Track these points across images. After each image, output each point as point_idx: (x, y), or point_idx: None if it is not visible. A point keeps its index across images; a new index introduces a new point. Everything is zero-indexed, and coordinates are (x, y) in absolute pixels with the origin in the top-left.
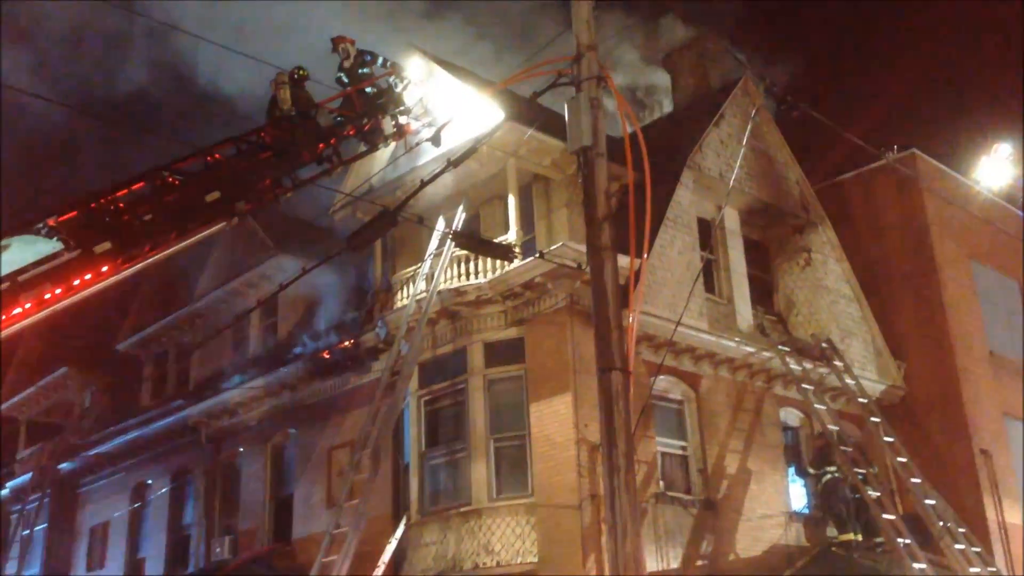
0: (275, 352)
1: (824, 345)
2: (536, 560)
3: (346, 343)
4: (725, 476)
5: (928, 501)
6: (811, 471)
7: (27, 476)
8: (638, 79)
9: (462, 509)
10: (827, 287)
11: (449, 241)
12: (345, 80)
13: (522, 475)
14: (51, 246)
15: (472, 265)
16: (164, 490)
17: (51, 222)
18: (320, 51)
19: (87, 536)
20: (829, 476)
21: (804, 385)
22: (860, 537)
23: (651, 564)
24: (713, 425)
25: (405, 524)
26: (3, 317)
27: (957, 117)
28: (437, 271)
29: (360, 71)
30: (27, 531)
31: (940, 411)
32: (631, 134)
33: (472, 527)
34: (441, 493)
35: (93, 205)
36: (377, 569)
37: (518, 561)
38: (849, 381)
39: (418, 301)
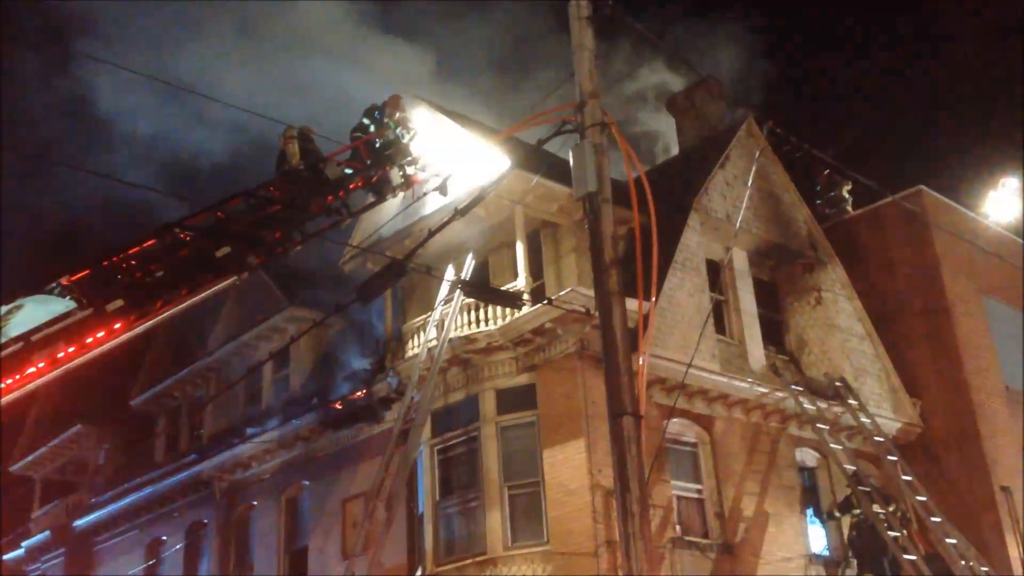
0: (288, 404)
1: (838, 384)
2: None
3: (358, 394)
4: (742, 519)
5: (949, 540)
6: (838, 514)
7: (43, 535)
8: (642, 126)
9: (478, 558)
10: (839, 325)
11: (459, 289)
12: (371, 128)
13: (537, 522)
14: (64, 305)
15: (482, 312)
16: (179, 546)
17: (64, 281)
18: (325, 104)
19: None
20: (858, 519)
21: (819, 425)
22: None
23: None
24: (728, 467)
25: (421, 574)
26: (16, 378)
27: (963, 153)
28: (447, 319)
29: (384, 121)
30: None
31: (958, 448)
32: (636, 178)
33: None
34: (456, 542)
35: (105, 263)
36: None
37: None
38: (864, 420)
39: (429, 349)
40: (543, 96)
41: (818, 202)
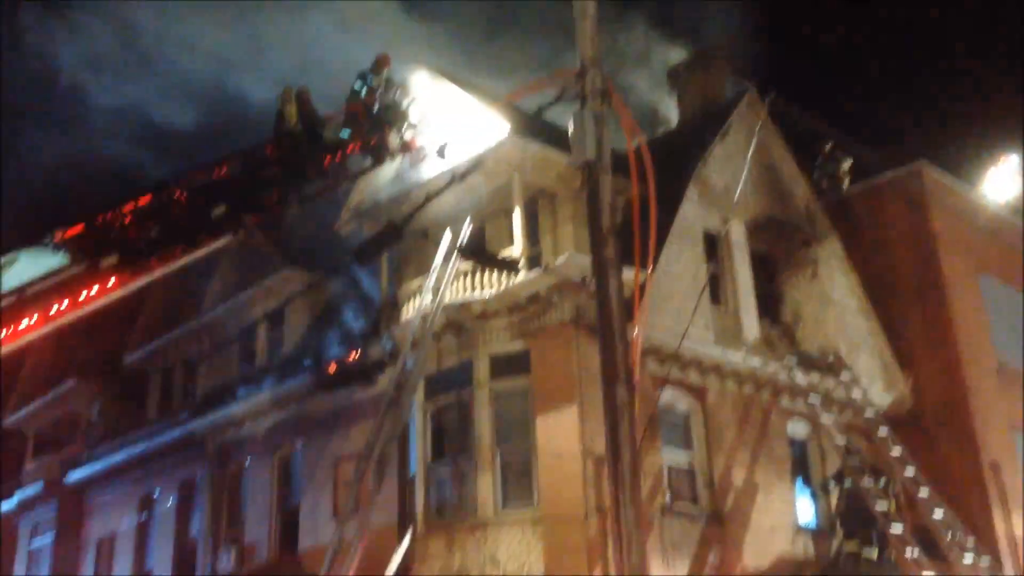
0: (281, 365)
1: (831, 357)
2: (542, 572)
3: (352, 357)
4: (732, 489)
5: (936, 513)
6: (832, 486)
7: (36, 487)
8: (643, 97)
9: (468, 521)
10: (834, 300)
11: (455, 255)
12: (363, 93)
13: (528, 487)
14: (58, 260)
15: (478, 278)
16: (171, 502)
17: (58, 236)
18: (325, 66)
19: (94, 547)
20: (846, 491)
21: (811, 397)
22: (875, 553)
23: None
24: (720, 438)
25: (411, 536)
26: (10, 330)
27: (965, 129)
28: (443, 285)
29: (376, 91)
30: (35, 542)
31: (948, 423)
32: (636, 148)
33: (478, 539)
34: (447, 505)
35: (100, 219)
36: None
37: (524, 573)
38: (856, 393)
39: (424, 315)
40: (544, 64)
41: (815, 176)
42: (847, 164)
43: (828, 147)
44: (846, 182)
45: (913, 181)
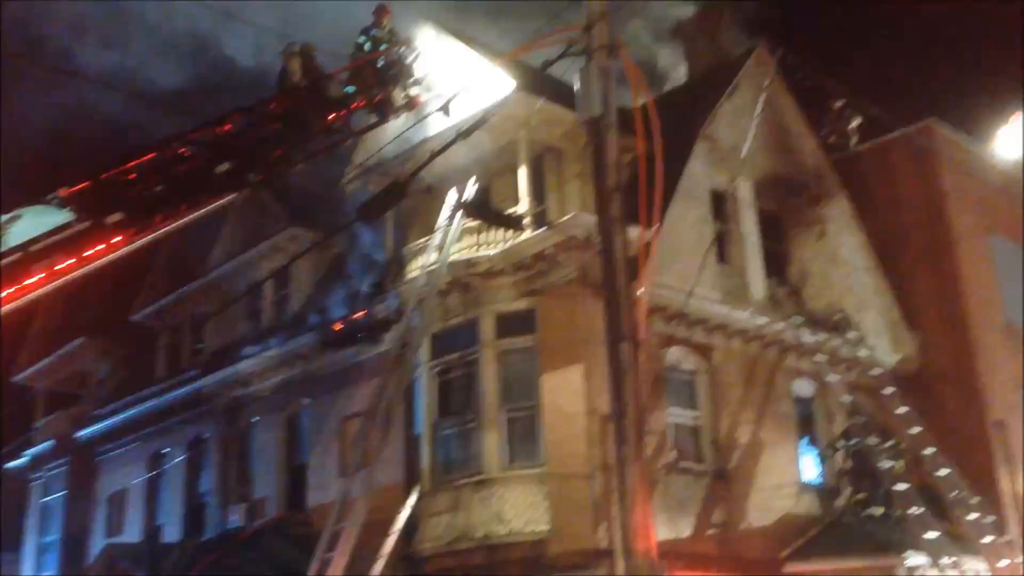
0: (288, 323)
1: (838, 316)
2: (548, 529)
3: (358, 315)
4: (737, 447)
5: (942, 471)
6: (840, 445)
7: (46, 444)
8: (651, 53)
9: (474, 479)
10: (842, 259)
11: (460, 212)
12: (368, 47)
13: (533, 445)
14: (63, 217)
15: (483, 236)
16: (180, 459)
17: (62, 193)
18: (328, 20)
19: (105, 504)
20: (852, 449)
21: (817, 356)
22: (880, 511)
23: (662, 533)
24: (725, 396)
25: (417, 494)
26: (15, 288)
27: (975, 87)
28: (448, 242)
29: (381, 46)
30: (46, 499)
31: (955, 382)
32: (642, 104)
33: (484, 497)
34: (453, 463)
35: (104, 176)
36: (389, 538)
37: (530, 530)
38: (863, 352)
39: (429, 272)
40: (550, 18)
41: (824, 134)
42: (856, 121)
43: (837, 104)
44: (855, 140)
45: (923, 139)
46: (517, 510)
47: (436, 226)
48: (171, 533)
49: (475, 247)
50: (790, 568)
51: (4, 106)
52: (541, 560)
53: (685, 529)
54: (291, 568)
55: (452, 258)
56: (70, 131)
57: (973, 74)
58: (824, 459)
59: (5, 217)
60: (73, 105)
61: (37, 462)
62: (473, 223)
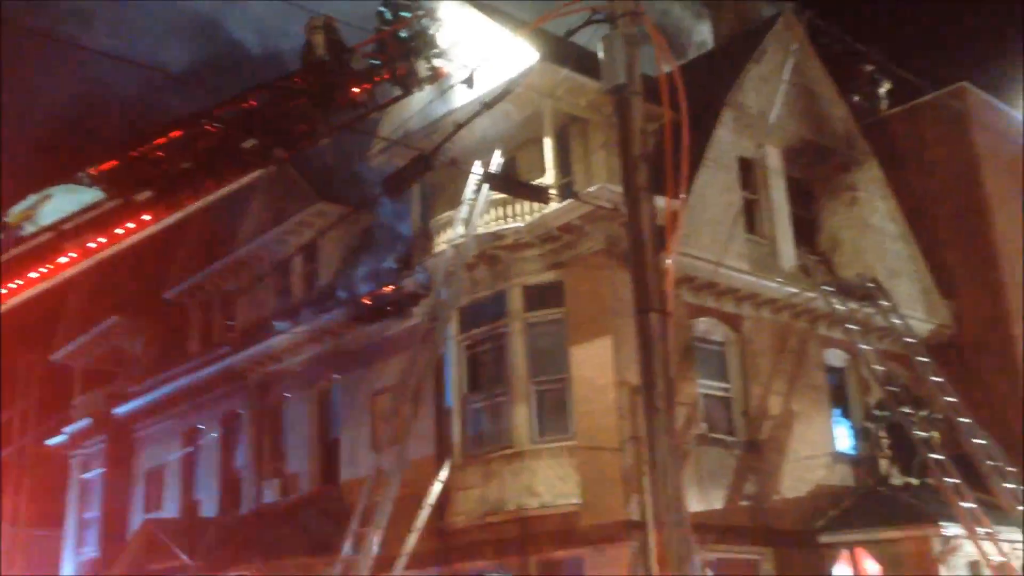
0: (317, 299)
1: (870, 284)
2: (579, 501)
3: (386, 289)
4: (768, 417)
5: (977, 440)
6: (877, 413)
7: (84, 421)
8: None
9: (505, 452)
10: (873, 225)
11: (486, 185)
12: (388, 16)
13: (563, 418)
14: (93, 195)
15: (510, 209)
16: (215, 435)
17: (92, 171)
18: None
19: (144, 479)
20: (887, 419)
21: (849, 325)
22: (916, 481)
23: (693, 505)
24: (756, 367)
25: (449, 467)
26: (49, 267)
27: (1007, 49)
28: (474, 215)
29: (400, 13)
30: (86, 475)
31: (990, 350)
32: (668, 72)
33: (515, 469)
34: (484, 436)
35: (132, 154)
36: (422, 512)
37: (561, 502)
38: (896, 320)
39: (456, 246)
40: None
41: (854, 98)
42: (887, 85)
43: (867, 68)
44: (885, 104)
45: (955, 102)
46: (548, 483)
47: (462, 199)
48: (208, 508)
49: (501, 219)
50: (824, 539)
51: (25, 86)
52: (572, 532)
53: (717, 501)
54: (325, 542)
55: (479, 231)
56: (91, 110)
57: (1004, 35)
58: (867, 431)
59: (36, 197)
60: (88, 85)
61: (76, 439)
62: (499, 195)
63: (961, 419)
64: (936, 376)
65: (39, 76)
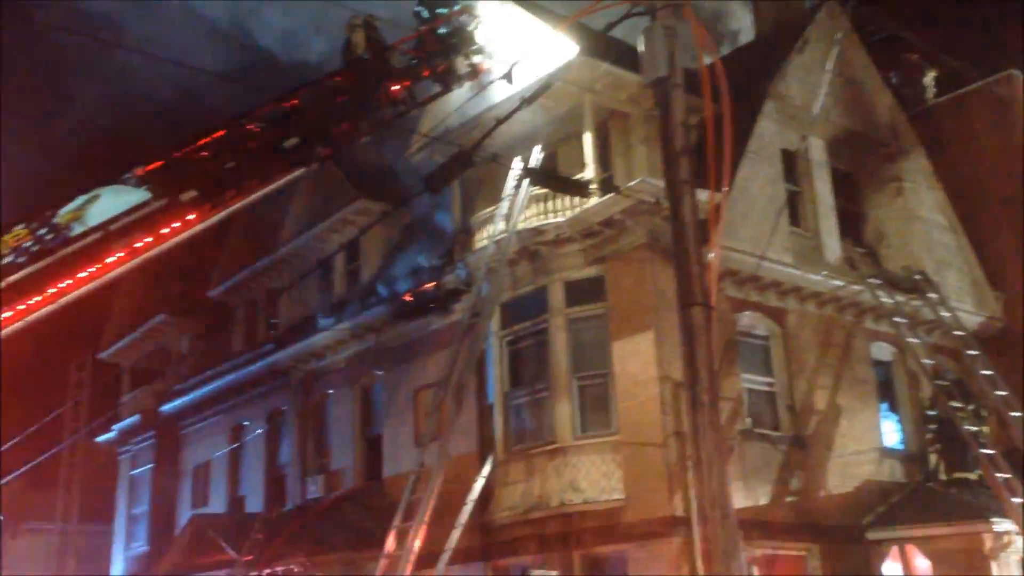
0: (359, 296)
1: (917, 277)
2: (622, 497)
3: (427, 286)
4: (814, 412)
5: None
6: (933, 413)
7: (133, 419)
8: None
9: (547, 447)
10: (920, 217)
11: (526, 180)
12: (424, 15)
13: (606, 413)
14: (139, 195)
15: (551, 204)
16: (260, 431)
17: (138, 172)
18: None
19: (191, 475)
20: (937, 414)
21: (896, 318)
22: (966, 476)
23: (738, 501)
24: (800, 361)
25: (491, 462)
26: (97, 267)
27: None
28: (515, 211)
29: (437, 10)
30: (135, 471)
31: None
32: (709, 63)
33: (558, 465)
34: (526, 432)
35: (177, 154)
36: (465, 506)
37: (604, 498)
38: (944, 313)
39: (497, 242)
40: None
41: (899, 87)
42: (933, 73)
43: (913, 56)
44: (931, 92)
45: (1003, 89)
46: (591, 478)
47: (503, 195)
48: (253, 503)
49: (542, 215)
50: (873, 535)
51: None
52: (616, 528)
53: (762, 497)
54: (369, 537)
55: (520, 226)
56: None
57: None
58: (904, 424)
59: (84, 197)
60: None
61: (125, 436)
62: (540, 191)
63: (1013, 413)
64: (986, 369)
65: (83, 80)
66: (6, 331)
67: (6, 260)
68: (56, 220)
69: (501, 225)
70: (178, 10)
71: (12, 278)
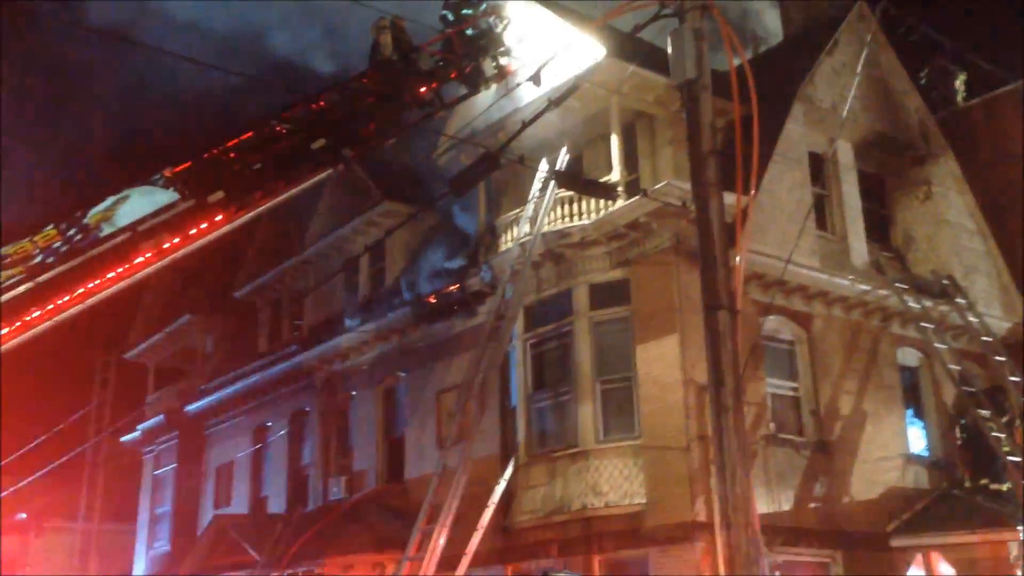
0: (384, 298)
1: (945, 282)
2: (644, 501)
3: (452, 288)
4: (839, 418)
5: None
6: (963, 421)
7: (157, 419)
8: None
9: (570, 451)
10: (949, 221)
11: (552, 183)
12: (450, 18)
13: (629, 417)
14: (168, 196)
15: (576, 207)
16: (283, 432)
17: (167, 173)
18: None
19: (214, 475)
20: (964, 421)
21: (923, 323)
22: (994, 484)
23: (762, 506)
24: (826, 366)
25: (514, 465)
26: (125, 267)
27: None
28: (540, 213)
29: (463, 11)
30: (159, 471)
31: None
32: (738, 65)
33: (580, 468)
34: (549, 435)
35: (206, 155)
36: (487, 510)
37: (626, 502)
38: (972, 319)
39: (522, 244)
40: None
41: (929, 90)
42: (962, 76)
43: (942, 59)
44: (961, 95)
45: None
46: (613, 482)
47: (528, 197)
48: (276, 504)
49: (568, 217)
50: (897, 542)
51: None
52: (638, 532)
53: (785, 503)
54: (391, 539)
55: (545, 229)
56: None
57: None
58: (930, 430)
59: (114, 198)
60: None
61: (149, 436)
62: (565, 193)
63: None
64: (1014, 376)
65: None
66: (33, 331)
67: (36, 260)
68: (86, 221)
69: (526, 227)
70: (191, 30)
71: (41, 278)
